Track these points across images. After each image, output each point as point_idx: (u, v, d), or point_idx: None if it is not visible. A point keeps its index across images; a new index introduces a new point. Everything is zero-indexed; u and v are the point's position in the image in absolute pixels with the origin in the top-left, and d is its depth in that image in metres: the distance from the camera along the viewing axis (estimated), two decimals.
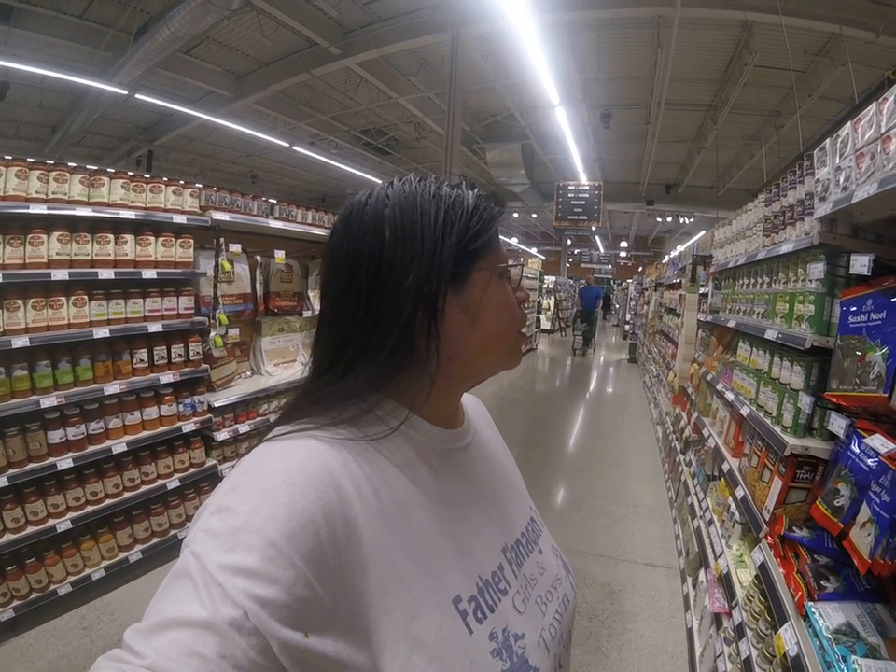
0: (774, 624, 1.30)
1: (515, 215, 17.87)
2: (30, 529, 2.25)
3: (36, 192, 2.23)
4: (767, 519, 1.57)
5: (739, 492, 1.89)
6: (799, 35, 5.44)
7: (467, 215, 0.57)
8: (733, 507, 2.05)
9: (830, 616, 1.09)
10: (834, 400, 1.33)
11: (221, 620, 0.36)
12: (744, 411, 2.00)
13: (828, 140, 1.39)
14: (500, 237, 0.63)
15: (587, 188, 11.10)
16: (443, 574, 0.50)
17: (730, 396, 2.25)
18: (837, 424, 1.31)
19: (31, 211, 2.19)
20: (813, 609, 1.12)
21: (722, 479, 2.33)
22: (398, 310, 0.52)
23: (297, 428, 0.50)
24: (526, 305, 0.68)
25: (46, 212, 2.23)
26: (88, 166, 2.46)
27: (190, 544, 0.41)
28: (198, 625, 0.36)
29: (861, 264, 1.24)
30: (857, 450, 1.17)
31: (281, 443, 0.49)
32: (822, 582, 1.18)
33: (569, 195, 11.19)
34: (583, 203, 11.11)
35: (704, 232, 5.14)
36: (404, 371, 0.54)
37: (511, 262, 0.62)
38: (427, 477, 0.56)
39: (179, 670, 0.34)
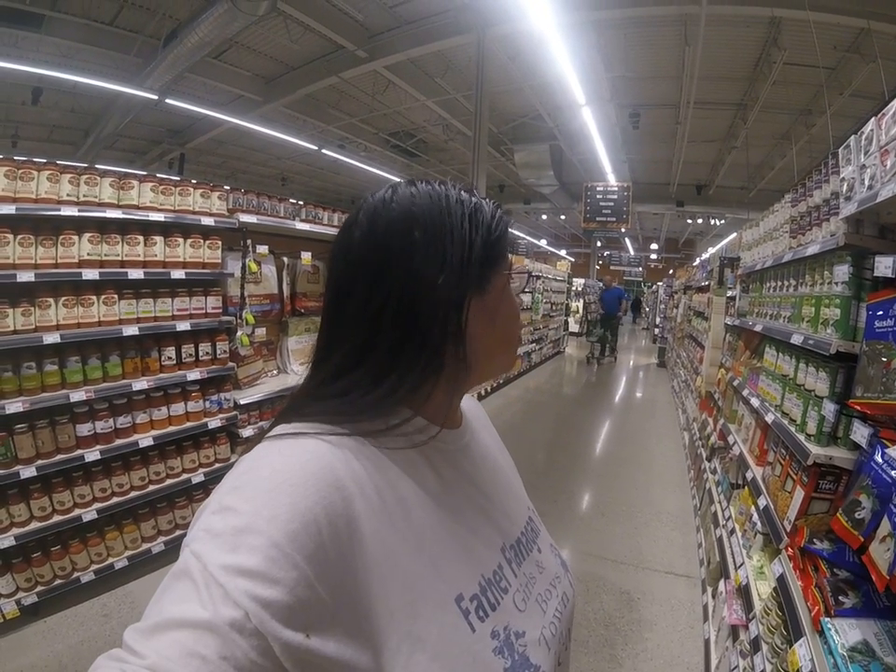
0: (789, 639, 1.25)
1: (544, 216, 17.71)
2: (56, 518, 2.34)
3: (67, 195, 2.31)
4: (788, 530, 1.52)
5: (762, 501, 1.84)
6: (828, 31, 5.29)
7: (488, 220, 0.59)
8: (755, 516, 1.99)
9: (846, 633, 1.04)
10: (859, 408, 1.28)
11: (222, 621, 0.36)
12: (769, 418, 1.93)
13: (852, 137, 1.34)
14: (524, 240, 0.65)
15: (616, 189, 10.93)
16: (445, 573, 0.50)
17: (755, 402, 2.18)
18: (860, 433, 1.25)
19: (62, 213, 2.27)
20: (829, 626, 1.08)
21: (746, 487, 2.26)
22: (431, 311, 0.53)
23: (300, 427, 0.50)
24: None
25: (77, 214, 2.31)
26: (117, 169, 2.55)
27: (191, 543, 0.41)
28: (199, 626, 0.36)
29: (885, 266, 1.18)
30: (880, 460, 1.12)
31: (283, 442, 0.48)
32: (840, 597, 1.13)
33: (598, 196, 11.04)
34: (612, 204, 10.95)
35: (734, 234, 5.02)
36: (436, 375, 0.55)
37: (517, 270, 0.64)
38: (429, 476, 0.56)
39: (180, 671, 0.34)
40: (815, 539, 1.38)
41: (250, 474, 0.45)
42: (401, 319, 0.53)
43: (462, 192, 0.60)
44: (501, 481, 0.71)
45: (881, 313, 1.23)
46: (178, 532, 2.83)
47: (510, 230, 0.63)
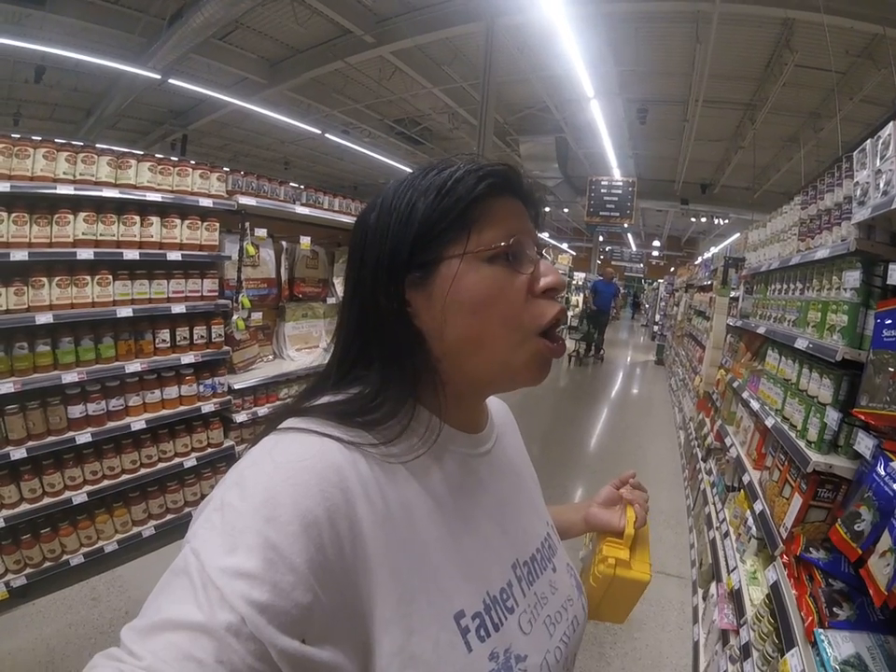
0: (781, 648, 1.24)
1: (547, 209, 17.62)
2: (46, 500, 2.32)
3: (64, 173, 2.26)
4: (784, 537, 1.51)
5: (758, 506, 1.82)
6: (841, 35, 5.22)
7: (436, 196, 0.50)
8: (750, 521, 1.98)
9: (839, 646, 1.03)
10: (863, 418, 1.26)
11: (218, 624, 0.35)
12: (769, 422, 1.92)
13: (868, 141, 1.30)
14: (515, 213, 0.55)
15: (620, 184, 10.88)
16: (448, 588, 0.48)
17: (755, 405, 2.16)
18: (864, 443, 1.23)
19: (58, 191, 2.22)
20: (822, 637, 1.06)
21: (742, 491, 2.25)
22: (371, 300, 0.52)
23: (310, 423, 0.47)
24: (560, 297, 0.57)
25: (73, 193, 2.26)
26: (115, 148, 2.50)
27: (191, 541, 0.40)
28: (195, 629, 0.35)
29: None
30: (882, 473, 1.09)
31: (290, 436, 0.46)
32: (835, 609, 1.12)
33: (602, 191, 11.00)
34: (616, 199, 10.91)
35: (738, 235, 4.98)
36: (403, 373, 0.51)
37: (510, 241, 0.51)
38: (440, 483, 0.52)
39: None
40: (811, 548, 1.37)
41: (253, 469, 0.44)
42: (358, 310, 0.54)
43: (430, 175, 0.52)
44: (521, 492, 0.67)
45: (890, 322, 1.21)
46: (169, 516, 2.81)
47: (466, 196, 0.50)
